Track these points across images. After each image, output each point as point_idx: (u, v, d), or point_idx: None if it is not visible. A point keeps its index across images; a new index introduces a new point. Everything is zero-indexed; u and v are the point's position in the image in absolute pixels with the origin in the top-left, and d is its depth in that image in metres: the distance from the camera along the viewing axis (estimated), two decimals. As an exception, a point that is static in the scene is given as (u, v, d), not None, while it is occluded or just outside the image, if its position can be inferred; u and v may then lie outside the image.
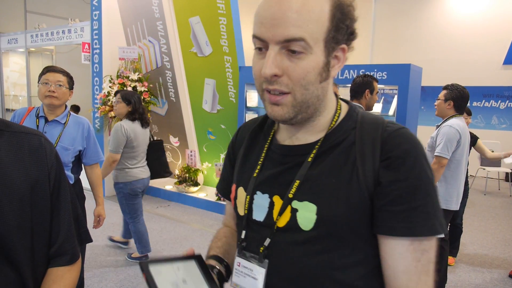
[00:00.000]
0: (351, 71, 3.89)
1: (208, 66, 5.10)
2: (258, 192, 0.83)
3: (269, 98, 0.74)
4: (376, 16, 7.81)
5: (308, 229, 0.74)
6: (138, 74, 5.33)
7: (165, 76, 5.62)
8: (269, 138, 0.88)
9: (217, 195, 5.31)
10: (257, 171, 0.85)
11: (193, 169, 5.65)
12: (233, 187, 0.91)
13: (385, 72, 3.70)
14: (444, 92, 3.04)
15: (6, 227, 0.83)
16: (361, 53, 8.35)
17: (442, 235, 0.85)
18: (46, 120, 2.39)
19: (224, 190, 1.00)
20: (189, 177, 5.64)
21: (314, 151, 0.78)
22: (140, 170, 3.47)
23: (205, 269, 0.82)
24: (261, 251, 0.80)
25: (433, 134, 3.03)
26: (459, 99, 2.98)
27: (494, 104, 7.40)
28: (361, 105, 3.01)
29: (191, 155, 5.70)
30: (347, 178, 0.74)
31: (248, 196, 0.85)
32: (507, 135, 7.43)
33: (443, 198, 2.96)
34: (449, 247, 3.43)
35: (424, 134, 3.85)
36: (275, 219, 0.79)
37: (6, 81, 8.00)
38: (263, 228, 0.81)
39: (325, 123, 0.80)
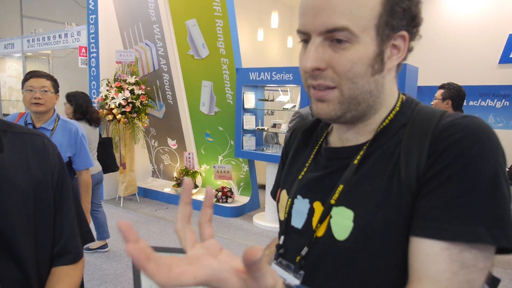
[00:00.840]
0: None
1: (205, 68, 5.11)
2: (298, 196, 0.77)
3: (314, 94, 0.68)
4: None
5: (343, 239, 0.66)
6: (135, 77, 5.33)
7: (163, 79, 5.62)
8: (321, 140, 0.81)
9: (215, 196, 5.31)
10: (302, 174, 0.79)
11: (191, 171, 5.65)
12: (279, 190, 0.86)
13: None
14: (441, 91, 3.05)
15: (11, 226, 0.84)
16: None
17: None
18: (34, 127, 2.33)
19: (274, 194, 0.92)
20: (187, 180, 5.63)
21: (361, 153, 0.69)
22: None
23: None
24: (297, 260, 0.73)
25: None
26: (457, 97, 2.99)
27: (491, 103, 7.43)
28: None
29: (189, 158, 5.70)
30: (390, 182, 0.64)
31: (289, 200, 0.79)
32: (504, 134, 7.46)
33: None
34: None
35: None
36: (314, 227, 0.71)
37: (3, 86, 7.98)
38: (301, 237, 0.74)
39: (379, 122, 0.71)
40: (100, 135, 3.89)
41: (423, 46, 8.01)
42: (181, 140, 5.80)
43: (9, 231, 0.84)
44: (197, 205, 5.37)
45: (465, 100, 3.04)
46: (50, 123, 2.39)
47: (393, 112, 0.70)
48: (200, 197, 5.48)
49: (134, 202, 5.71)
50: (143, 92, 5.31)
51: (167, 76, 5.56)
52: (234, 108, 4.98)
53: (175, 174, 5.83)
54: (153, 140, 6.19)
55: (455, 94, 2.97)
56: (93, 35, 5.57)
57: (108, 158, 3.96)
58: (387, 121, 0.69)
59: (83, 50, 5.74)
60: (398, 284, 0.63)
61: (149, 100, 5.52)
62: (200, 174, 5.76)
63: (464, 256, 0.56)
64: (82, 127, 3.24)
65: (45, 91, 2.29)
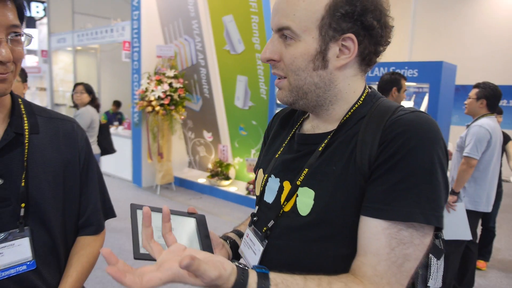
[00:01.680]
0: (382, 68, 3.85)
1: (241, 63, 5.22)
2: (272, 175, 0.88)
3: (275, 82, 0.82)
4: (416, 11, 7.58)
5: (305, 214, 0.76)
6: (174, 71, 5.54)
7: (200, 73, 5.80)
8: (296, 126, 0.91)
9: (247, 189, 5.43)
10: (276, 156, 0.90)
11: (225, 163, 5.81)
12: (257, 169, 0.98)
13: (416, 70, 3.64)
14: (475, 90, 2.96)
15: (42, 197, 0.98)
16: (399, 49, 8.14)
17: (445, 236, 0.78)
18: None
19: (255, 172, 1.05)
20: (221, 171, 5.80)
21: (326, 141, 0.78)
22: (94, 148, 4.14)
23: (204, 229, 0.86)
24: (263, 230, 0.83)
25: (463, 134, 2.97)
26: (492, 97, 2.89)
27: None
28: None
29: (223, 150, 5.86)
30: (346, 166, 0.73)
31: (264, 178, 0.90)
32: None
33: (472, 199, 2.89)
34: (478, 250, 3.35)
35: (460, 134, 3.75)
36: (282, 203, 0.82)
37: (54, 78, 8.55)
38: (270, 211, 0.85)
39: (341, 113, 0.80)
40: (100, 120, 4.50)
41: (470, 44, 7.66)
42: (216, 133, 5.97)
43: (41, 201, 0.98)
44: (229, 196, 5.52)
45: (503, 100, 2.93)
46: None
47: (356, 106, 0.79)
48: (232, 189, 5.63)
49: (170, 191, 5.97)
50: (181, 86, 5.51)
51: (204, 71, 5.73)
52: (267, 103, 5.06)
53: (209, 166, 6.02)
54: (190, 132, 6.41)
55: (490, 93, 2.87)
56: (136, 30, 5.84)
57: (105, 142, 4.46)
58: (349, 113, 0.79)
59: (127, 44, 6.04)
60: (349, 255, 0.72)
61: (187, 93, 5.72)
62: (233, 167, 5.90)
63: (401, 234, 0.66)
64: (94, 113, 4.18)
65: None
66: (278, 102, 5.11)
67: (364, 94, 0.80)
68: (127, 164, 6.43)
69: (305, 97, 0.78)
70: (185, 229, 0.84)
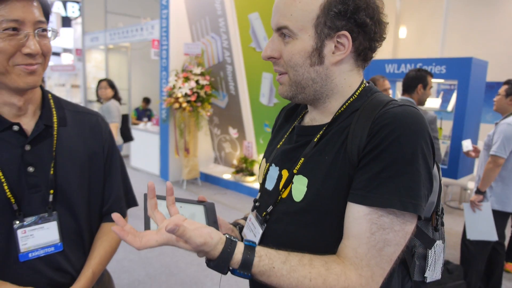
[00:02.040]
0: (408, 64, 3.79)
1: (266, 61, 5.23)
2: (272, 164, 0.94)
3: (276, 78, 0.87)
4: (448, 7, 7.34)
5: (298, 200, 0.82)
6: (201, 69, 5.65)
7: (226, 70, 5.88)
8: (298, 119, 0.97)
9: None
10: (278, 147, 0.96)
11: (249, 160, 5.87)
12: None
13: (444, 66, 3.56)
14: (505, 87, 2.87)
15: (69, 185, 1.06)
16: (430, 46, 7.92)
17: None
18: None
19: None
20: (246, 167, 5.87)
21: (321, 132, 0.84)
22: (117, 139, 4.66)
23: (212, 216, 0.91)
24: (263, 215, 0.90)
25: (490, 132, 2.88)
26: None
27: None
28: (412, 100, 2.95)
29: (248, 146, 5.92)
30: (337, 156, 0.78)
31: (266, 167, 0.97)
32: None
33: (499, 199, 2.81)
34: (507, 252, 3.25)
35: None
36: (280, 190, 0.88)
37: (87, 75, 8.87)
38: (270, 197, 0.91)
39: (337, 106, 0.85)
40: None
41: (497, 40, 7.35)
42: (242, 130, 6.04)
43: (67, 189, 1.06)
44: (253, 192, 5.58)
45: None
46: None
47: (351, 100, 0.84)
48: (256, 185, 5.68)
49: (196, 186, 6.09)
50: (208, 83, 5.61)
51: (230, 68, 5.80)
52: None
53: (234, 162, 6.10)
54: (216, 128, 6.51)
55: (520, 90, 2.78)
56: (165, 29, 5.98)
57: (126, 130, 5.05)
58: (344, 106, 0.84)
59: (156, 42, 6.19)
60: (339, 238, 0.77)
61: (213, 90, 5.82)
62: (258, 163, 5.95)
63: (382, 220, 0.71)
64: (117, 106, 4.61)
65: None
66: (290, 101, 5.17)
67: (360, 89, 0.85)
68: (155, 159, 6.61)
69: (303, 91, 0.83)
70: (194, 215, 0.90)
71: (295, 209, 0.83)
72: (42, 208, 1.02)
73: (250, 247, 0.72)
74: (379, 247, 0.71)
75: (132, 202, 1.29)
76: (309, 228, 0.80)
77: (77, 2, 11.16)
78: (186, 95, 5.45)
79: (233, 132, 6.22)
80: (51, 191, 1.03)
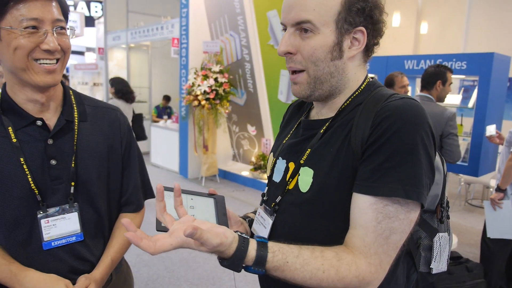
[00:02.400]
0: (428, 60, 3.73)
1: (284, 58, 5.24)
2: (280, 158, 0.97)
3: (290, 78, 0.87)
4: (471, 1, 7.15)
5: (304, 191, 0.84)
6: (219, 66, 5.70)
7: (244, 68, 5.91)
8: (305, 114, 0.99)
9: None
10: (284, 141, 0.99)
11: (267, 157, 5.89)
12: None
13: (465, 62, 3.48)
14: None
15: (89, 177, 1.11)
16: (453, 42, 7.74)
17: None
18: None
19: None
20: (263, 165, 5.90)
21: (327, 124, 0.86)
22: None
23: (222, 208, 0.94)
24: (272, 206, 0.93)
25: (512, 129, 2.82)
26: None
27: None
28: (431, 96, 2.91)
29: (266, 144, 5.95)
30: (341, 148, 0.81)
31: (273, 160, 0.99)
32: None
33: (521, 197, 2.75)
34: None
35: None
36: (287, 181, 0.90)
37: (109, 74, 9.08)
38: (278, 189, 0.94)
39: (344, 101, 0.87)
40: (133, 111, 4.95)
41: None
42: (260, 127, 6.07)
43: (88, 181, 1.11)
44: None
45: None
46: None
47: (355, 94, 0.86)
48: (274, 182, 5.69)
49: (214, 183, 6.17)
50: (226, 80, 5.66)
51: (248, 65, 5.83)
52: (310, 97, 5.05)
53: (253, 159, 6.14)
54: (234, 126, 6.56)
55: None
56: (184, 27, 6.07)
57: (139, 129, 5.03)
58: (349, 101, 0.86)
59: (176, 41, 6.29)
60: (345, 230, 0.79)
61: (232, 87, 5.87)
62: (276, 160, 5.96)
63: (387, 209, 0.73)
64: (120, 104, 4.50)
65: None
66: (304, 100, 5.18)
67: (365, 83, 0.87)
68: (175, 156, 6.72)
69: (321, 87, 0.84)
70: (204, 207, 0.93)
71: (302, 199, 0.85)
72: (64, 199, 1.08)
73: (262, 243, 0.73)
74: (385, 235, 0.73)
75: (150, 193, 1.33)
76: (315, 218, 0.83)
77: (100, 2, 11.41)
78: (205, 92, 5.52)
79: (251, 130, 6.26)
80: (72, 183, 1.08)
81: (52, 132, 1.06)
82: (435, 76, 2.91)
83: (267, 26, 5.32)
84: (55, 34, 0.98)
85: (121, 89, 4.69)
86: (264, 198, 1.00)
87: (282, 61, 5.29)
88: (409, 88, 3.57)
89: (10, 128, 1.03)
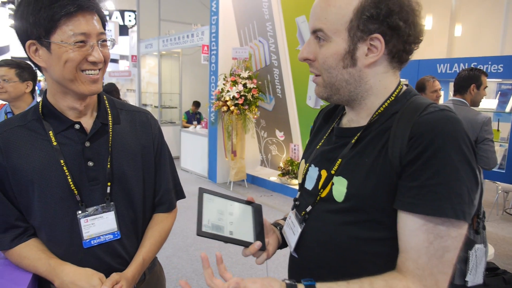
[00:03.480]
0: (461, 64, 3.63)
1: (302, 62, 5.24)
2: (312, 165, 0.97)
3: (312, 79, 0.91)
4: (509, 1, 6.89)
5: (340, 201, 0.84)
6: (248, 72, 5.76)
7: (273, 74, 5.95)
8: (336, 120, 0.99)
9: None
10: (317, 148, 0.98)
11: (296, 162, 5.88)
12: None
13: (502, 65, 3.37)
14: None
15: (124, 177, 1.16)
16: (488, 44, 7.48)
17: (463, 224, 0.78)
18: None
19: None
20: (291, 170, 5.89)
21: (359, 134, 0.85)
22: None
23: (259, 217, 0.96)
24: (302, 214, 0.93)
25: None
26: None
27: None
28: (465, 101, 2.83)
29: (294, 149, 5.94)
30: (377, 158, 0.79)
31: (305, 167, 0.99)
32: None
33: None
34: None
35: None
36: (319, 190, 0.90)
37: (142, 80, 9.35)
38: (310, 196, 0.93)
39: (374, 108, 0.86)
40: None
41: None
42: (288, 132, 6.07)
43: (123, 181, 1.16)
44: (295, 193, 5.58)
45: None
46: None
47: (388, 101, 0.85)
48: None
49: (242, 187, 6.21)
50: (255, 86, 5.71)
51: (277, 71, 5.86)
52: (339, 102, 5.02)
53: (281, 164, 6.14)
54: (263, 131, 6.60)
55: None
56: (214, 34, 6.18)
57: None
58: (382, 108, 0.85)
59: (206, 48, 6.41)
60: (379, 239, 0.80)
61: (260, 93, 5.91)
62: (304, 166, 5.94)
63: (438, 229, 0.72)
64: None
65: (5, 80, 2.39)
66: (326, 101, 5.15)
67: (397, 91, 0.85)
68: (204, 161, 6.82)
69: (337, 92, 0.86)
70: (242, 215, 0.94)
71: (335, 208, 0.85)
72: (101, 199, 1.13)
73: (310, 286, 0.73)
74: (439, 255, 0.72)
75: (181, 194, 1.37)
76: (347, 227, 0.83)
77: (134, 11, 11.80)
78: (234, 98, 5.59)
79: (279, 135, 6.27)
80: (109, 184, 1.13)
81: (89, 135, 1.12)
82: (468, 79, 2.83)
83: (295, 31, 5.34)
84: (99, 47, 1.04)
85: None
86: (296, 203, 1.00)
87: (310, 66, 5.31)
88: (442, 92, 3.48)
89: (50, 132, 1.09)
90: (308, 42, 0.85)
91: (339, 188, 0.84)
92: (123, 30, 11.17)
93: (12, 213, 1.09)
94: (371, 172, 0.79)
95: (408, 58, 0.85)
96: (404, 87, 0.87)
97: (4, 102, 2.56)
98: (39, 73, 2.19)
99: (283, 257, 1.18)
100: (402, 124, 0.78)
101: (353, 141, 0.85)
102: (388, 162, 0.77)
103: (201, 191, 0.94)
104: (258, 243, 0.91)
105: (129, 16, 12.32)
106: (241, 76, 5.70)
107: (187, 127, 7.94)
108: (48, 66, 1.04)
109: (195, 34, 6.86)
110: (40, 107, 1.12)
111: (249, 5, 5.94)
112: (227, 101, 5.64)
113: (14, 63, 2.44)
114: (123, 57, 11.29)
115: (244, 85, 5.64)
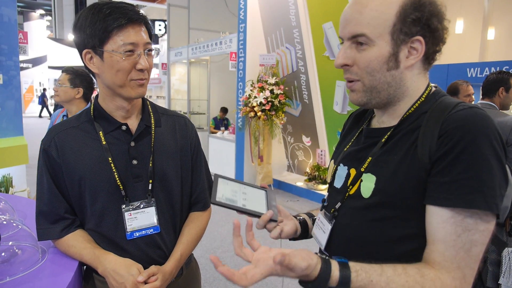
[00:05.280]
0: (492, 67, 3.57)
1: (340, 69, 5.26)
2: (341, 164, 1.00)
3: (346, 85, 0.91)
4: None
5: (367, 197, 0.86)
6: (275, 78, 5.84)
7: (300, 80, 6.00)
8: (366, 123, 1.01)
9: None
10: (345, 149, 1.02)
11: (322, 167, 5.89)
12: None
13: (535, 69, 3.29)
14: None
15: (164, 175, 1.26)
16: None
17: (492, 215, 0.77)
18: None
19: None
20: (318, 175, 5.90)
21: (389, 133, 0.88)
22: None
23: (271, 199, 1.00)
24: (332, 211, 0.96)
25: None
26: None
27: None
28: (494, 104, 2.80)
29: (321, 155, 5.95)
30: (406, 156, 0.81)
31: (334, 167, 1.02)
32: None
33: None
34: None
35: None
36: (348, 187, 0.93)
37: (172, 87, 9.60)
38: (338, 194, 0.96)
39: (406, 109, 0.88)
40: None
41: None
42: (315, 138, 6.09)
43: (163, 179, 1.25)
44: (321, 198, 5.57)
45: None
46: None
47: (418, 102, 0.87)
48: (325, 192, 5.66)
49: (269, 192, 6.26)
50: (282, 92, 5.78)
51: (304, 77, 5.92)
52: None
53: (307, 170, 6.16)
54: (289, 137, 6.64)
55: None
56: (242, 42, 6.31)
57: None
58: (412, 109, 0.87)
59: (233, 55, 6.55)
60: (407, 236, 0.81)
61: (287, 99, 5.97)
62: (331, 171, 5.93)
63: (466, 222, 0.73)
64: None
65: (59, 84, 2.61)
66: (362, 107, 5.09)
67: (427, 91, 0.88)
68: (231, 166, 6.93)
69: (378, 96, 0.87)
70: (255, 196, 1.00)
71: (363, 204, 0.87)
72: (143, 195, 1.22)
73: (343, 263, 0.74)
74: (466, 248, 0.73)
75: None
76: (374, 223, 0.84)
77: (164, 21, 12.16)
78: (261, 104, 5.68)
79: (306, 140, 6.30)
80: (150, 181, 1.23)
81: (134, 136, 1.22)
82: (497, 83, 2.80)
83: (322, 38, 5.38)
84: (145, 55, 1.15)
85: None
86: (324, 203, 1.03)
87: (337, 72, 5.33)
88: (473, 97, 3.44)
89: (100, 132, 1.20)
90: (345, 48, 0.87)
91: (367, 184, 0.87)
92: (154, 39, 11.53)
93: (63, 205, 1.20)
94: (399, 168, 0.81)
95: (435, 59, 0.88)
96: (433, 88, 0.90)
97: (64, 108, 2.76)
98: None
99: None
100: (431, 122, 0.80)
101: (383, 140, 0.88)
102: (417, 160, 0.79)
103: (217, 176, 0.99)
104: (270, 212, 0.95)
105: (159, 25, 12.70)
106: (268, 82, 5.79)
107: (215, 132, 8.08)
108: (101, 72, 1.15)
109: (223, 42, 7.02)
110: (92, 110, 1.24)
111: (276, 13, 6.04)
112: (254, 107, 5.73)
113: (70, 70, 2.62)
114: (153, 65, 11.64)
115: (271, 91, 5.73)
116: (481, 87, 2.91)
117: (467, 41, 7.13)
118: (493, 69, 3.55)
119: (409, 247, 0.82)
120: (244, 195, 0.98)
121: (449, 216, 0.73)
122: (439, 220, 0.74)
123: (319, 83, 5.77)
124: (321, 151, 5.95)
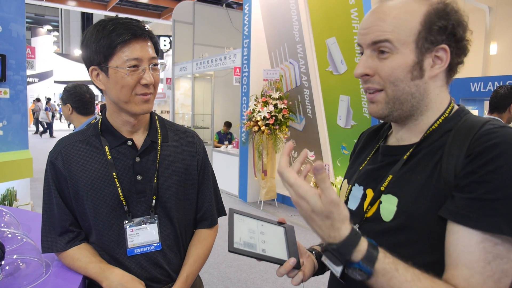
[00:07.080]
0: (496, 82, 3.57)
1: (343, 83, 5.29)
2: (356, 184, 0.93)
3: (367, 97, 0.85)
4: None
5: (388, 220, 0.79)
6: (279, 93, 5.87)
7: (303, 94, 6.03)
8: (381, 140, 0.95)
9: (349, 209, 5.37)
10: (360, 168, 0.95)
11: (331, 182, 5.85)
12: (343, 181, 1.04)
13: (539, 84, 3.29)
14: None
15: (168, 192, 1.24)
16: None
17: None
18: None
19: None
20: (322, 190, 5.85)
21: (411, 150, 0.82)
22: None
23: (292, 237, 0.92)
24: None
25: None
26: None
27: None
28: (501, 120, 2.78)
29: (325, 169, 5.92)
30: (431, 177, 0.76)
31: (349, 187, 0.96)
32: None
33: None
34: None
35: None
36: (365, 209, 0.86)
37: (176, 102, 9.67)
38: (355, 217, 0.88)
39: (428, 124, 0.83)
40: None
41: None
42: (319, 152, 6.08)
43: (167, 196, 1.24)
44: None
45: None
46: None
47: (442, 118, 0.82)
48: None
49: (273, 207, 6.23)
50: (285, 106, 5.80)
51: (307, 92, 5.94)
52: (370, 122, 5.01)
53: (311, 184, 6.12)
54: (293, 151, 6.63)
55: None
56: (246, 57, 6.37)
57: None
58: (436, 125, 0.82)
59: (237, 70, 6.60)
60: (431, 263, 0.74)
61: (291, 113, 5.99)
62: (335, 185, 5.91)
63: (497, 249, 0.66)
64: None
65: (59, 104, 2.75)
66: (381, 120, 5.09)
67: (450, 107, 0.84)
68: (235, 180, 6.91)
69: (400, 107, 0.82)
70: (274, 235, 0.92)
71: (384, 228, 0.81)
72: (146, 211, 1.21)
73: (373, 244, 0.69)
74: (496, 278, 0.66)
75: (222, 211, 1.42)
76: (397, 249, 0.75)
77: (169, 36, 12.32)
78: (264, 118, 5.69)
79: (310, 155, 6.29)
80: (154, 197, 1.22)
81: (139, 151, 1.22)
82: (508, 98, 2.79)
83: (326, 53, 5.42)
84: (150, 70, 1.14)
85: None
86: None
87: (341, 86, 5.36)
88: (476, 111, 3.43)
89: (106, 147, 1.20)
90: (366, 57, 0.82)
91: (388, 206, 0.81)
92: (160, 54, 11.66)
93: (68, 218, 1.20)
94: (424, 190, 0.76)
95: (458, 71, 0.84)
96: (456, 106, 0.86)
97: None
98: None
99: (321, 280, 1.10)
100: (457, 141, 0.75)
101: (405, 157, 0.82)
102: (442, 181, 0.74)
103: (232, 211, 0.92)
104: (293, 260, 0.85)
105: (164, 40, 12.87)
106: (272, 96, 5.82)
107: (219, 147, 8.10)
108: (107, 88, 1.16)
109: (228, 57, 7.09)
110: (99, 124, 1.24)
111: (280, 28, 6.10)
112: (258, 121, 5.75)
113: (64, 88, 2.64)
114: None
115: (275, 106, 5.75)
116: (489, 102, 2.90)
117: (470, 55, 7.13)
118: (496, 84, 3.55)
119: (436, 275, 0.73)
120: (262, 236, 0.90)
121: (478, 240, 0.67)
122: (467, 243, 0.68)
123: (322, 98, 5.78)
124: (325, 165, 5.93)
